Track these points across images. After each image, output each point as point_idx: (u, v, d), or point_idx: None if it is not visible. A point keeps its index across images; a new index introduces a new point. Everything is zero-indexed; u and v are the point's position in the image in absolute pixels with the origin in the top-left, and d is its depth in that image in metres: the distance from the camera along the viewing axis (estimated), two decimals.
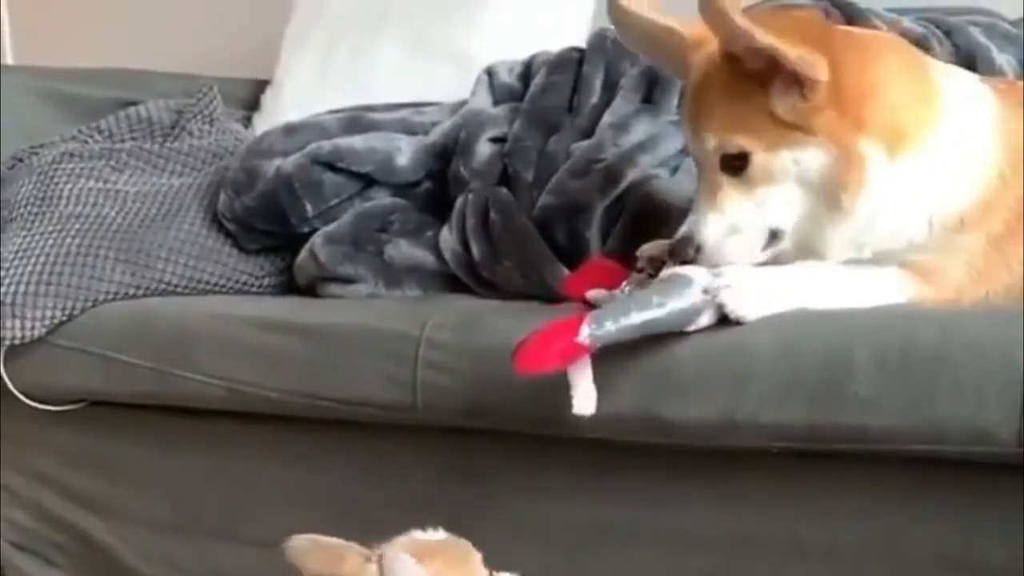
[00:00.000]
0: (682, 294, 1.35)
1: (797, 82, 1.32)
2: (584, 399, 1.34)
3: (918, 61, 1.47)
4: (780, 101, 1.34)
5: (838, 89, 1.33)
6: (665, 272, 1.40)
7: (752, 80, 1.34)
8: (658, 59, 1.57)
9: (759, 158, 1.36)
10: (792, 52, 1.30)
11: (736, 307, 1.35)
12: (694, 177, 1.48)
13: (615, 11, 1.50)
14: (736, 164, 1.37)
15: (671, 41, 1.46)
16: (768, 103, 1.34)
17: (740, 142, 1.36)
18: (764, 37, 1.30)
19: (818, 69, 1.31)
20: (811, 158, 1.35)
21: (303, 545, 1.27)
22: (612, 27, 1.56)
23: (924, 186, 1.37)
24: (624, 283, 1.48)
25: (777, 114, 1.34)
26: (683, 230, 1.41)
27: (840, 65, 1.34)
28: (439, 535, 1.27)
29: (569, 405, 1.33)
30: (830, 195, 1.36)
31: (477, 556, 1.26)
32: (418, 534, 1.26)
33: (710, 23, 1.33)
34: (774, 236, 1.39)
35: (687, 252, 1.39)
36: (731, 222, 1.38)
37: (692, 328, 1.37)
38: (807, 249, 1.40)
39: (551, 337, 1.32)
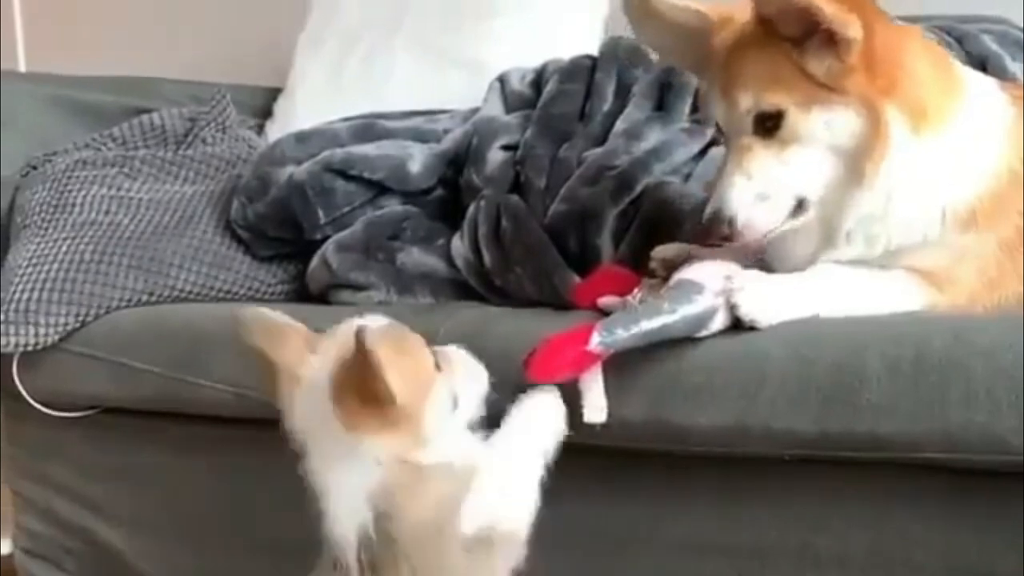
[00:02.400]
0: (692, 300, 1.35)
1: (832, 42, 1.32)
2: (595, 408, 1.34)
3: (942, 50, 1.50)
4: (815, 60, 1.34)
5: (870, 51, 1.34)
6: (675, 278, 1.40)
7: (787, 42, 1.35)
8: (677, 51, 1.54)
9: (792, 116, 1.35)
10: (828, 7, 1.31)
11: (749, 311, 1.35)
12: (706, 184, 1.48)
13: (635, 2, 1.49)
14: (769, 124, 1.36)
15: (696, 25, 1.45)
16: (803, 63, 1.34)
17: (775, 99, 1.36)
18: None
19: (851, 27, 1.32)
20: (842, 121, 1.35)
21: (251, 316, 1.26)
22: (629, 25, 1.55)
23: (940, 171, 1.38)
24: (636, 290, 1.48)
25: (811, 73, 1.34)
26: (711, 206, 1.38)
27: (873, 29, 1.34)
28: (377, 320, 1.23)
29: (580, 412, 1.33)
30: (855, 163, 1.36)
31: (420, 340, 1.24)
32: (360, 320, 1.22)
33: None
34: (800, 205, 1.39)
35: (722, 228, 1.37)
36: (759, 189, 1.37)
37: (704, 333, 1.37)
38: (826, 226, 1.40)
39: (562, 346, 1.32)
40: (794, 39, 1.34)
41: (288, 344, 1.23)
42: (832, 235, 1.40)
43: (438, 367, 1.23)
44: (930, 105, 1.37)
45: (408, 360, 1.18)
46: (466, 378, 1.27)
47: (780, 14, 1.33)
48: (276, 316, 1.25)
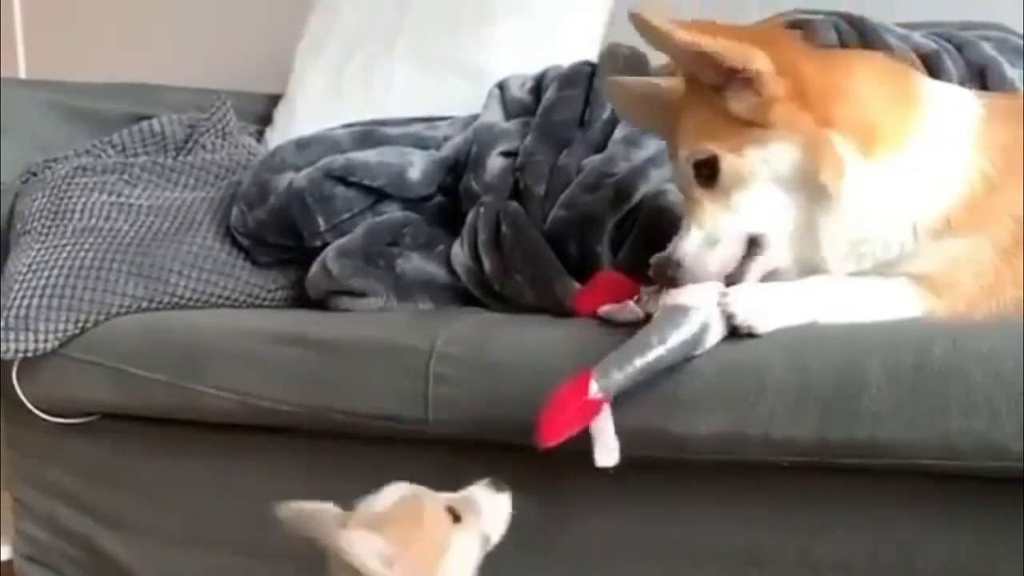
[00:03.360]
0: (679, 324, 1.35)
1: (749, 81, 1.35)
2: (606, 451, 1.34)
3: (897, 68, 1.52)
4: (735, 101, 1.37)
5: (799, 83, 1.37)
6: (661, 303, 1.40)
7: (713, 92, 1.38)
8: (652, 122, 1.60)
9: (727, 161, 1.38)
10: (716, 43, 1.34)
11: (746, 318, 1.36)
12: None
13: (608, 88, 1.55)
14: (707, 173, 1.40)
15: (657, 96, 1.51)
16: (727, 107, 1.37)
17: (707, 147, 1.39)
18: (684, 35, 1.34)
19: (754, 59, 1.35)
20: (779, 154, 1.37)
21: (289, 513, 1.31)
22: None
23: (906, 190, 1.39)
24: (637, 296, 1.48)
25: (736, 115, 1.37)
26: (665, 254, 1.43)
27: (794, 61, 1.37)
28: (392, 496, 1.28)
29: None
30: (812, 188, 1.38)
31: (433, 506, 1.28)
32: (370, 503, 1.28)
33: (639, 31, 1.36)
34: (754, 244, 1.40)
35: (666, 271, 1.41)
36: (708, 233, 1.40)
37: (700, 352, 1.37)
38: (809, 263, 1.41)
39: (565, 403, 1.33)
40: (717, 87, 1.37)
41: (323, 525, 1.28)
42: (822, 266, 1.42)
43: (457, 518, 1.28)
44: (881, 127, 1.39)
45: (409, 545, 1.23)
46: (494, 516, 1.32)
47: (694, 66, 1.37)
48: (308, 506, 1.31)
